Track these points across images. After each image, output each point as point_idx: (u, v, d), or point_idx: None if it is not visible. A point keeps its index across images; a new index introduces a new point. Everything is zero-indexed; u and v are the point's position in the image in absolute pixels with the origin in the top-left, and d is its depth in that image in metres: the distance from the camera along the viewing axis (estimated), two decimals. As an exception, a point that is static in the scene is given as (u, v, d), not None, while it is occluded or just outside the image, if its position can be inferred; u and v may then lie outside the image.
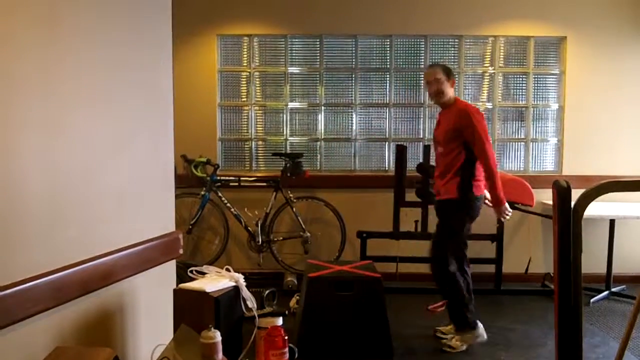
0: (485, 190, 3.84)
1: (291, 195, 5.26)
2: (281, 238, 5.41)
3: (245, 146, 5.63)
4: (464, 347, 3.78)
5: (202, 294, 2.19)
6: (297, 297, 4.35)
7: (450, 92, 3.87)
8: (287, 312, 4.23)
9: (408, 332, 4.07)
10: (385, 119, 5.59)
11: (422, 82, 5.47)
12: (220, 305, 2.18)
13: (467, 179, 3.76)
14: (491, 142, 3.78)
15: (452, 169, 3.79)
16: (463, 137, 3.73)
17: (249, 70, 5.55)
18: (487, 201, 3.86)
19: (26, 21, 1.68)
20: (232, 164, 5.64)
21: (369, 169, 5.61)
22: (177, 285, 2.38)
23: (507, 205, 3.78)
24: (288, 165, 5.23)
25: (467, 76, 5.56)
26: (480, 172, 3.81)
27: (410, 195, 4.90)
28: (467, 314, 3.79)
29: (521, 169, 5.61)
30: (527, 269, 5.32)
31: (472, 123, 3.69)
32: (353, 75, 5.54)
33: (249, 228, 5.28)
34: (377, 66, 5.55)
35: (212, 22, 5.44)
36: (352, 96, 5.56)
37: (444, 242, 3.85)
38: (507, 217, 3.83)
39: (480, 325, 3.84)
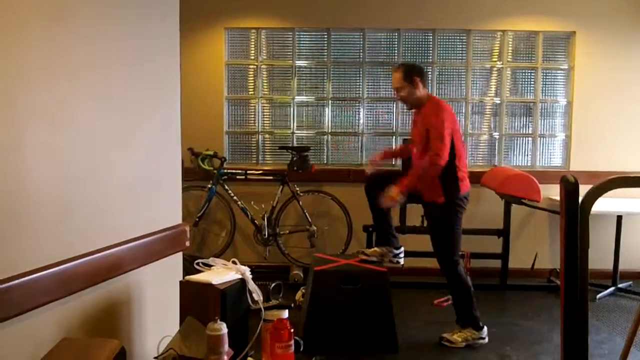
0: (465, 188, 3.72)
1: (298, 188, 5.26)
2: (287, 231, 5.42)
3: (252, 139, 5.63)
4: (463, 345, 3.72)
5: (208, 286, 2.20)
6: (303, 291, 4.36)
7: (416, 93, 3.74)
8: (293, 305, 4.24)
9: (413, 327, 4.08)
10: (393, 113, 5.57)
11: (430, 75, 5.47)
12: (227, 298, 2.18)
13: (450, 179, 3.66)
14: (448, 143, 3.57)
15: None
16: None
17: (256, 64, 5.54)
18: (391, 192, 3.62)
19: (35, 14, 1.69)
20: (239, 157, 5.64)
21: (376, 163, 5.60)
22: (183, 278, 2.39)
23: (398, 200, 3.61)
24: (295, 158, 5.22)
25: (475, 71, 5.53)
26: (463, 167, 3.71)
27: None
28: (474, 313, 3.75)
29: (529, 164, 5.59)
30: (533, 265, 5.30)
31: (432, 121, 3.60)
32: (360, 69, 5.53)
33: (255, 221, 5.29)
34: (385, 60, 5.53)
35: (220, 15, 5.44)
36: (359, 90, 5.55)
37: (442, 244, 3.78)
38: (387, 204, 3.66)
39: (485, 329, 3.77)
